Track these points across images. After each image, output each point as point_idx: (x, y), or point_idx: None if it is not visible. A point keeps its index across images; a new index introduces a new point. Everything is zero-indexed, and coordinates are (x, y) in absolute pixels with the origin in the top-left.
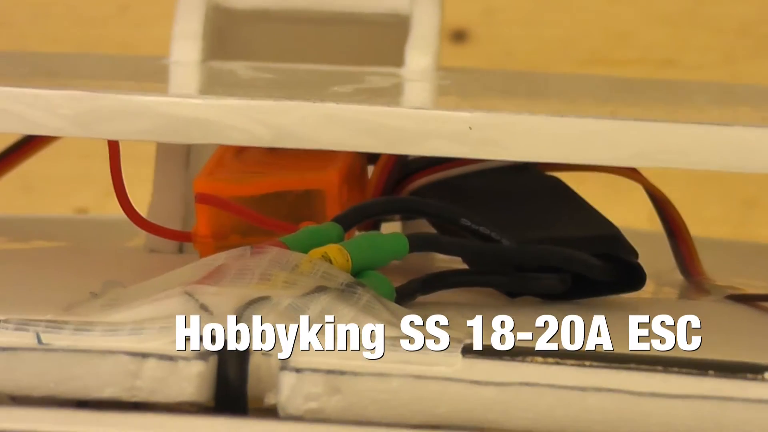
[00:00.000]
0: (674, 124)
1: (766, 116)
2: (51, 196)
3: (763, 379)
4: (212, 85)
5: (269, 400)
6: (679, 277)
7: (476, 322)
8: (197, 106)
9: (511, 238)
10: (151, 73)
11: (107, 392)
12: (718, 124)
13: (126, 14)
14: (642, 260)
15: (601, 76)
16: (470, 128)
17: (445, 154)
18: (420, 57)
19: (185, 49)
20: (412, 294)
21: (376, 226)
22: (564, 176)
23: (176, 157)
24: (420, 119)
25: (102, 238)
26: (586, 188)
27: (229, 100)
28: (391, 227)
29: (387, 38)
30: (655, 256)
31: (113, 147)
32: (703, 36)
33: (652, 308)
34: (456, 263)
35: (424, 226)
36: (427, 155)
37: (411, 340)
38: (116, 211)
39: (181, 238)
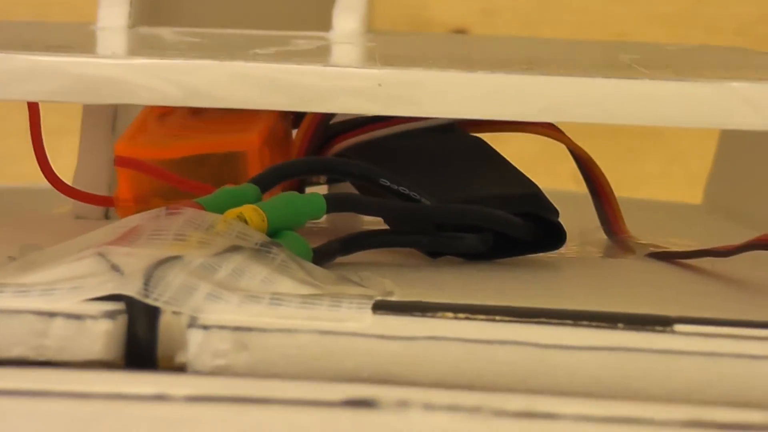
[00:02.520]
0: (583, 78)
1: (683, 73)
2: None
3: (672, 331)
4: (135, 48)
5: (179, 358)
6: (603, 236)
7: (394, 282)
8: (107, 65)
9: (431, 198)
10: (75, 39)
11: (15, 351)
12: (627, 78)
13: None
14: (566, 220)
15: (532, 38)
16: (379, 84)
17: (355, 111)
18: (347, 20)
19: (113, 15)
20: (331, 255)
21: (300, 191)
22: (492, 139)
23: (101, 123)
24: (329, 76)
25: (31, 206)
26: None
27: (138, 59)
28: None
29: (320, 3)
30: (580, 216)
31: (33, 111)
32: (702, 36)
33: (571, 266)
34: (381, 226)
35: (349, 190)
36: (337, 112)
37: (322, 297)
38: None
39: (103, 202)
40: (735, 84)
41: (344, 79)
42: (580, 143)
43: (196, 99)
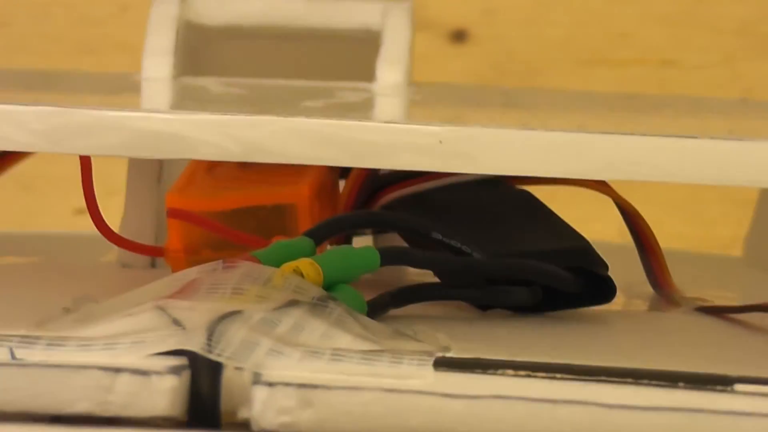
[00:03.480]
0: (640, 137)
1: (732, 128)
2: (50, 196)
3: (733, 391)
4: (183, 100)
5: (242, 414)
6: (649, 289)
7: (448, 336)
8: (168, 121)
9: (481, 252)
10: (122, 89)
11: (80, 407)
12: (683, 136)
13: (126, 14)
14: (612, 273)
15: (578, 91)
16: (440, 142)
17: (414, 168)
18: (391, 72)
19: (157, 65)
20: (383, 307)
21: (348, 241)
22: (536, 191)
23: (148, 172)
24: (389, 133)
25: (75, 253)
26: (558, 203)
27: (199, 115)
28: (363, 242)
29: (360, 54)
30: (625, 269)
31: (85, 163)
32: (703, 36)
33: (622, 321)
34: (428, 277)
35: (396, 241)
36: (396, 169)
37: (382, 353)
38: (111, 215)
39: (153, 252)
40: None
41: (405, 136)
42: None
43: (256, 154)
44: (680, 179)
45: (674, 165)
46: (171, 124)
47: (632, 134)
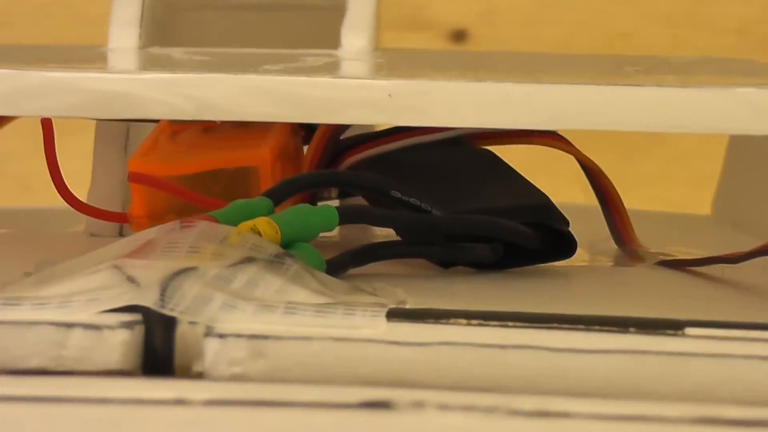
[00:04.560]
0: (590, 86)
1: (688, 80)
2: (50, 195)
3: (683, 335)
4: (146, 65)
5: (196, 368)
6: (613, 246)
7: (406, 291)
8: (119, 80)
9: (442, 210)
10: (89, 60)
11: (34, 362)
12: (633, 84)
13: None
14: (577, 231)
15: (533, 52)
16: (389, 95)
17: (366, 122)
18: (355, 37)
19: (123, 36)
20: (343, 266)
21: (312, 204)
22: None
23: (114, 142)
24: (338, 88)
25: (46, 225)
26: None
27: (150, 74)
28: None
29: (327, 23)
30: (590, 226)
31: (46, 126)
32: (703, 36)
33: (582, 274)
34: (392, 237)
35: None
36: (347, 123)
37: (336, 305)
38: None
39: (118, 219)
40: (740, 89)
41: (354, 91)
42: (580, 144)
43: (208, 112)
44: (631, 127)
45: (626, 113)
46: (122, 83)
47: (582, 83)
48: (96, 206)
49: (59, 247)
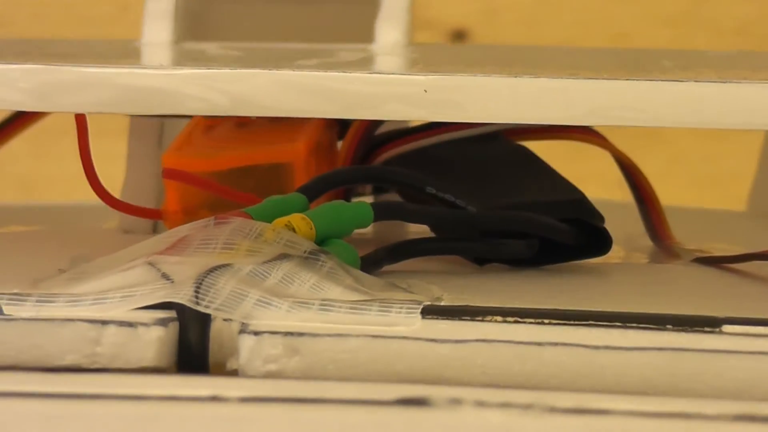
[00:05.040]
0: (627, 81)
1: (723, 75)
2: (51, 196)
3: (720, 332)
4: (181, 60)
5: (231, 364)
6: (649, 243)
7: (441, 288)
8: (154, 76)
9: (477, 205)
10: (122, 55)
11: (68, 359)
12: (671, 80)
13: (126, 14)
14: (612, 227)
15: (579, 47)
16: (425, 91)
17: (402, 118)
18: (389, 32)
19: (157, 30)
20: (378, 262)
21: (346, 200)
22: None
23: (148, 137)
24: (375, 83)
25: (78, 221)
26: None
27: (186, 69)
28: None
29: (362, 16)
30: (625, 223)
31: (80, 122)
32: (703, 36)
33: (618, 272)
34: (426, 234)
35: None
36: (383, 119)
37: (371, 302)
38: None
39: (152, 215)
40: None
41: (390, 86)
42: None
43: (244, 108)
44: (669, 123)
45: (664, 109)
46: (158, 79)
47: (618, 79)
48: (130, 203)
49: (92, 243)
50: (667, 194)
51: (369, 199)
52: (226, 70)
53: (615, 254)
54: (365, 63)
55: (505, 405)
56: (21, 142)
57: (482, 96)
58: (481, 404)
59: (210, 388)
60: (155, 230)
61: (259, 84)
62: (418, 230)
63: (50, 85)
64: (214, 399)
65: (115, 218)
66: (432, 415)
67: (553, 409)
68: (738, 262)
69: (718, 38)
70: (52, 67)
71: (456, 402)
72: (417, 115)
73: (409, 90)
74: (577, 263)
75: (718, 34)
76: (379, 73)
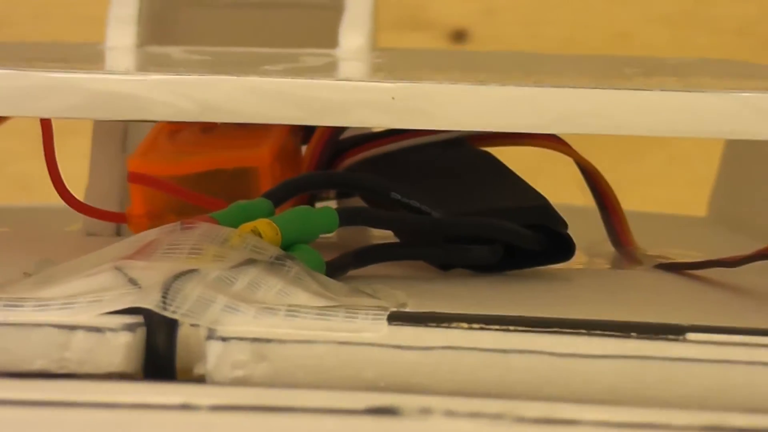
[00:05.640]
0: (593, 90)
1: (689, 83)
2: (48, 195)
3: (685, 340)
4: (147, 65)
5: (198, 370)
6: (611, 249)
7: (406, 294)
8: (123, 81)
9: (441, 211)
10: (86, 58)
11: (37, 364)
12: (637, 89)
13: None
14: (575, 233)
15: (533, 53)
16: (393, 98)
17: (369, 125)
18: (353, 37)
19: (121, 34)
20: (343, 267)
21: (310, 205)
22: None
23: (112, 141)
24: (343, 90)
25: (42, 223)
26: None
27: (154, 75)
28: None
29: (325, 22)
30: (588, 228)
31: (46, 126)
32: (703, 36)
33: (581, 278)
34: (391, 239)
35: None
36: (350, 125)
37: (337, 308)
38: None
39: (116, 219)
40: (742, 94)
41: (358, 93)
42: (579, 145)
43: (212, 114)
44: (633, 132)
45: (628, 117)
46: (126, 84)
47: (585, 87)
48: (94, 206)
49: (57, 246)
50: (666, 195)
51: (333, 204)
52: (195, 77)
53: (577, 260)
54: (330, 68)
55: (474, 415)
56: (20, 142)
57: (449, 103)
58: (450, 414)
59: (180, 395)
60: (119, 233)
61: (227, 90)
62: (383, 235)
63: (17, 90)
64: (184, 407)
65: (78, 221)
66: (402, 424)
67: (522, 419)
68: (699, 269)
69: (718, 38)
70: (19, 72)
71: (426, 411)
72: (384, 122)
73: (376, 97)
74: (541, 269)
75: (718, 34)
76: (347, 80)
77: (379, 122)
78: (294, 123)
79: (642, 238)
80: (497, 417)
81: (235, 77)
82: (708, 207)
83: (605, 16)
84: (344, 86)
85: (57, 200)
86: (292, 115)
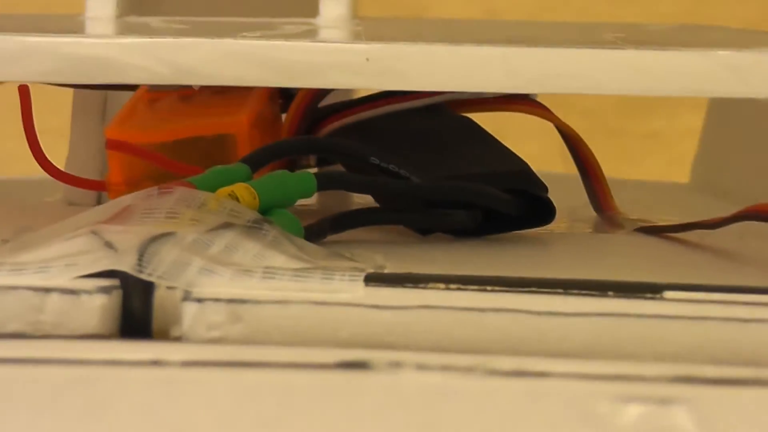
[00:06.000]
0: (569, 49)
1: (669, 43)
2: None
3: (662, 298)
4: (122, 33)
5: (174, 332)
6: (592, 213)
7: (385, 257)
8: (97, 45)
9: (421, 176)
10: (64, 27)
11: (12, 327)
12: (612, 47)
13: None
14: (556, 198)
15: (521, 20)
16: (367, 59)
17: (344, 86)
18: (334, 6)
19: (100, 5)
20: (322, 233)
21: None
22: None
23: (92, 110)
24: (317, 52)
25: (23, 195)
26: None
27: (128, 38)
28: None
29: None
30: (569, 194)
31: (23, 93)
32: None
33: (561, 241)
34: (371, 204)
35: None
36: (325, 87)
37: (314, 270)
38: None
39: (95, 186)
40: (720, 52)
41: (332, 55)
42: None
43: (185, 77)
44: (610, 91)
45: (605, 76)
46: (100, 48)
47: (560, 47)
48: (74, 174)
49: (37, 215)
50: None
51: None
52: (169, 39)
53: (559, 225)
54: (308, 35)
55: (445, 368)
56: (20, 143)
57: (424, 64)
58: (421, 367)
59: (151, 352)
60: (99, 201)
61: (200, 53)
62: (362, 201)
63: None
64: (155, 363)
65: (59, 191)
66: (372, 378)
67: (494, 372)
68: (679, 232)
69: None
70: None
71: (396, 365)
72: (359, 83)
73: (350, 58)
74: (521, 233)
75: None
76: (322, 42)
77: (353, 84)
78: (267, 85)
79: (624, 204)
80: (469, 370)
81: (208, 39)
82: (690, 173)
83: (606, 16)
84: (319, 48)
85: (35, 173)
86: (266, 77)
